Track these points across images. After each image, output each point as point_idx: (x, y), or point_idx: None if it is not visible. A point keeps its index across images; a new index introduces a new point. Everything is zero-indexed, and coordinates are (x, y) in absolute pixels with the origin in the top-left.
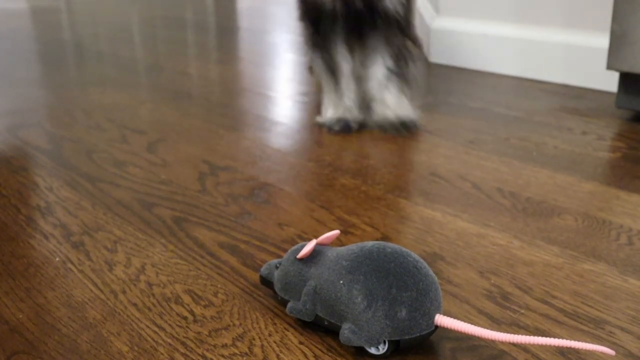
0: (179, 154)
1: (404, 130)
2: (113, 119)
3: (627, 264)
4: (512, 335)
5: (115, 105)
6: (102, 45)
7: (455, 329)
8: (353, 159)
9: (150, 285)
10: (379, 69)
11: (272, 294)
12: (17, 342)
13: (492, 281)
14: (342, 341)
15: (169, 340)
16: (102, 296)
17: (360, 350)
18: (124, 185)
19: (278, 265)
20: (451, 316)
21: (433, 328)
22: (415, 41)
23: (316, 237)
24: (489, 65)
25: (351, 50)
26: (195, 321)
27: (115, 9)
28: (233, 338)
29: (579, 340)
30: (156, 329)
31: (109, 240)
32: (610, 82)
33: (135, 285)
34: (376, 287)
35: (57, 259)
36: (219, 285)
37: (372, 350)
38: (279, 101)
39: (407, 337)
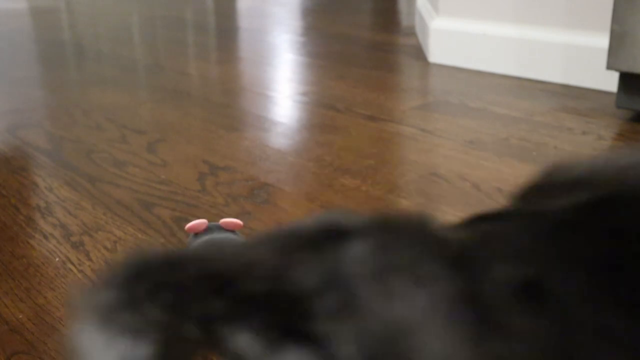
0: (179, 154)
1: None
2: (113, 119)
3: None
4: None
5: (115, 105)
6: (102, 45)
7: None
8: (353, 159)
9: None
10: None
11: None
12: (17, 342)
13: None
14: None
15: None
16: None
17: None
18: (124, 185)
19: None
20: None
21: None
22: None
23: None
24: (489, 65)
25: None
26: None
27: (115, 9)
28: None
29: None
30: None
31: (108, 240)
32: (610, 82)
33: None
34: None
35: (57, 259)
36: None
37: None
38: (279, 101)
39: None
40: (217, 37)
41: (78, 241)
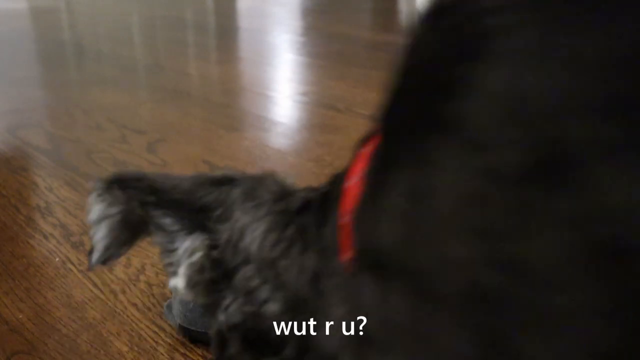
0: (179, 154)
1: None
2: (113, 119)
3: None
4: None
5: (115, 105)
6: (102, 45)
7: None
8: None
9: (150, 285)
10: None
11: None
12: (17, 342)
13: None
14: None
15: (169, 340)
16: (102, 296)
17: None
18: None
19: None
20: None
21: None
22: None
23: None
24: None
25: None
26: None
27: (115, 9)
28: None
29: None
30: (156, 329)
31: None
32: None
33: (135, 285)
34: None
35: (57, 259)
36: None
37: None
38: (279, 101)
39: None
40: (217, 37)
41: (78, 241)
